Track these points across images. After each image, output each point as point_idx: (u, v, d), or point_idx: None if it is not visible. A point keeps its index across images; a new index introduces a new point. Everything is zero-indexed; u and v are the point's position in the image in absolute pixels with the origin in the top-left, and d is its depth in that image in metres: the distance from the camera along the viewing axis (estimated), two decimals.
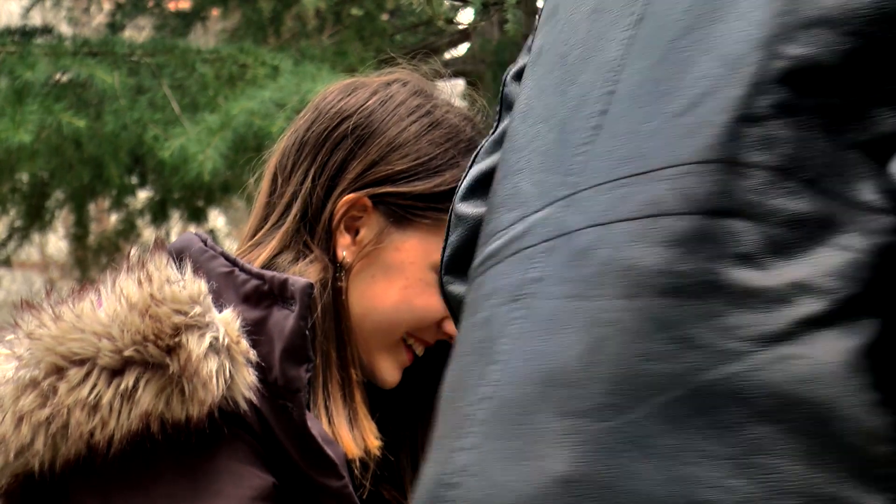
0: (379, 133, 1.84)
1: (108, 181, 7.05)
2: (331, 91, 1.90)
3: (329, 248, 1.83)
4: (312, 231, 1.84)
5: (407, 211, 1.83)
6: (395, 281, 1.82)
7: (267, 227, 1.87)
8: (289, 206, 1.85)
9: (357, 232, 1.83)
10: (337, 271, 1.82)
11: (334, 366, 1.80)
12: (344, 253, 1.83)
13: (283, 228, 1.84)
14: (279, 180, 1.87)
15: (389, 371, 1.84)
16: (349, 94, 1.88)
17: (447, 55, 8.76)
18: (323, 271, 1.81)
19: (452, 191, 1.82)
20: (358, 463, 1.78)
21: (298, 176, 1.85)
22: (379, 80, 1.90)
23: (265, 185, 1.89)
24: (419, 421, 1.90)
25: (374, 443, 1.79)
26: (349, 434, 1.77)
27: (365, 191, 1.83)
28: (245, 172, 1.96)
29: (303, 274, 1.79)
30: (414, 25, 8.04)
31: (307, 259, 1.81)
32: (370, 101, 1.86)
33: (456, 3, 6.78)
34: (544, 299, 1.14)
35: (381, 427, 1.82)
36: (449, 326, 1.83)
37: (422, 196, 1.83)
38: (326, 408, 1.78)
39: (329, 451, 1.72)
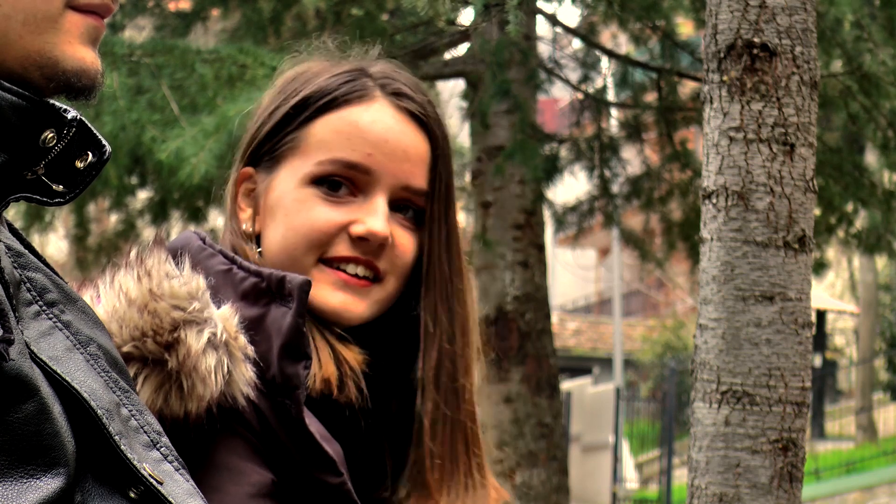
0: (255, 113, 1.92)
1: (107, 181, 7.05)
2: None
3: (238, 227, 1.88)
4: (235, 216, 1.89)
5: (272, 151, 1.86)
6: (277, 216, 1.84)
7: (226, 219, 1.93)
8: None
9: (256, 200, 1.88)
10: (250, 242, 1.85)
11: None
12: (244, 225, 1.87)
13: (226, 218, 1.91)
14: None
15: (329, 297, 1.82)
16: None
17: (447, 55, 8.77)
18: (248, 247, 1.84)
19: (299, 106, 1.84)
20: (353, 386, 1.79)
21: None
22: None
23: None
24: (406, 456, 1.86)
25: (358, 357, 1.80)
26: (329, 355, 1.79)
27: (245, 163, 1.89)
28: None
29: (242, 254, 1.82)
30: (414, 25, 8.04)
31: (241, 242, 1.85)
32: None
33: (456, 3, 6.78)
34: None
35: (379, 473, 1.82)
36: (355, 229, 1.81)
37: (273, 128, 1.86)
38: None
39: (327, 449, 1.72)
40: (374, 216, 1.81)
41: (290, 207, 1.82)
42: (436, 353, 1.82)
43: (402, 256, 1.83)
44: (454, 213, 1.88)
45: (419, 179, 1.85)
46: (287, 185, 1.84)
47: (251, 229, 1.86)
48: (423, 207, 1.86)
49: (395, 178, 1.84)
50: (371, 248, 1.82)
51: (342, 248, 1.82)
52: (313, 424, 1.73)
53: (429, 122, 1.87)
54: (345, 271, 1.82)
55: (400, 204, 1.85)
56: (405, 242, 1.84)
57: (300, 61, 1.93)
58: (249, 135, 1.89)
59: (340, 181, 1.83)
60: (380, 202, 1.82)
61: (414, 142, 1.85)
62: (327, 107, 1.85)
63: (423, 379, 1.82)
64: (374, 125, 1.84)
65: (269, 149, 1.87)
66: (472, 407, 1.85)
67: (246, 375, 1.69)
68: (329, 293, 1.81)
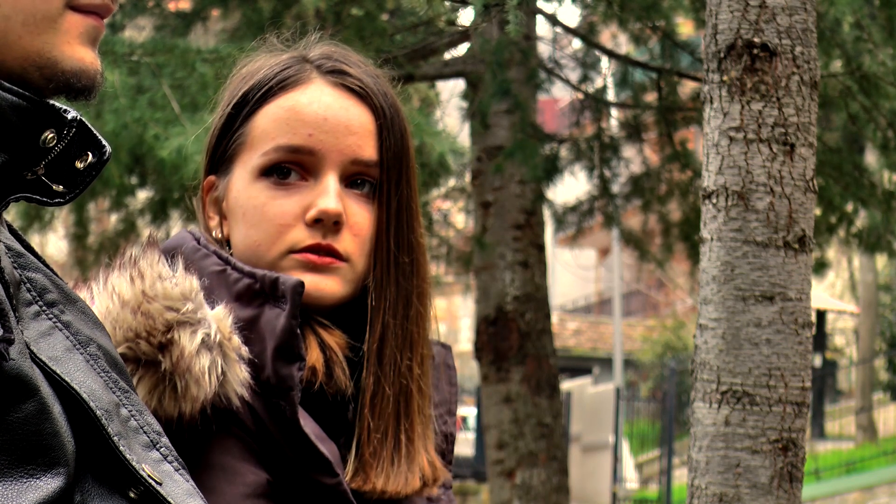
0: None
1: (108, 181, 7.05)
2: None
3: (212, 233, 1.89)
4: (205, 226, 1.89)
5: (224, 154, 1.86)
6: (238, 216, 1.84)
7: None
8: None
9: (220, 205, 1.88)
10: (223, 248, 1.85)
11: None
12: (214, 232, 1.87)
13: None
14: None
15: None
16: None
17: (447, 55, 8.77)
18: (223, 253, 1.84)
19: (239, 104, 1.84)
20: (340, 372, 1.79)
21: None
22: None
23: None
24: None
25: (341, 342, 1.80)
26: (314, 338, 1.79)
27: (207, 172, 1.89)
28: None
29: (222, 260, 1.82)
30: (414, 25, 8.04)
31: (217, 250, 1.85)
32: None
33: (456, 3, 6.78)
34: None
35: None
36: (310, 214, 1.81)
37: (221, 131, 1.87)
38: None
39: (323, 450, 1.72)
40: (324, 196, 1.81)
41: (247, 205, 1.83)
42: (380, 327, 1.82)
43: (359, 233, 1.83)
44: (407, 183, 1.86)
45: (369, 151, 1.84)
46: (241, 183, 1.84)
47: (220, 235, 1.86)
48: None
49: (341, 154, 1.83)
50: (327, 227, 1.81)
51: (303, 237, 1.81)
52: (308, 425, 1.73)
53: (369, 95, 1.85)
54: (319, 252, 1.81)
55: (356, 179, 1.84)
56: (360, 220, 1.83)
57: (248, 63, 1.94)
58: (206, 144, 1.90)
59: (288, 167, 1.82)
60: (330, 180, 1.82)
61: (356, 115, 1.84)
62: (265, 97, 1.85)
63: (367, 352, 1.81)
64: (311, 105, 1.83)
65: (221, 152, 1.87)
66: (414, 382, 1.83)
67: (240, 376, 1.69)
68: (303, 279, 1.80)
